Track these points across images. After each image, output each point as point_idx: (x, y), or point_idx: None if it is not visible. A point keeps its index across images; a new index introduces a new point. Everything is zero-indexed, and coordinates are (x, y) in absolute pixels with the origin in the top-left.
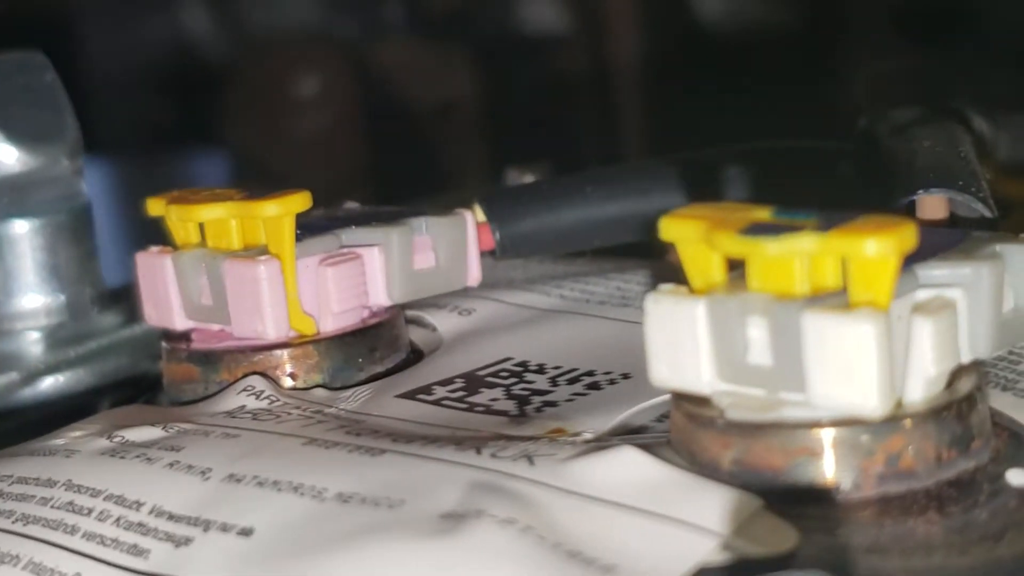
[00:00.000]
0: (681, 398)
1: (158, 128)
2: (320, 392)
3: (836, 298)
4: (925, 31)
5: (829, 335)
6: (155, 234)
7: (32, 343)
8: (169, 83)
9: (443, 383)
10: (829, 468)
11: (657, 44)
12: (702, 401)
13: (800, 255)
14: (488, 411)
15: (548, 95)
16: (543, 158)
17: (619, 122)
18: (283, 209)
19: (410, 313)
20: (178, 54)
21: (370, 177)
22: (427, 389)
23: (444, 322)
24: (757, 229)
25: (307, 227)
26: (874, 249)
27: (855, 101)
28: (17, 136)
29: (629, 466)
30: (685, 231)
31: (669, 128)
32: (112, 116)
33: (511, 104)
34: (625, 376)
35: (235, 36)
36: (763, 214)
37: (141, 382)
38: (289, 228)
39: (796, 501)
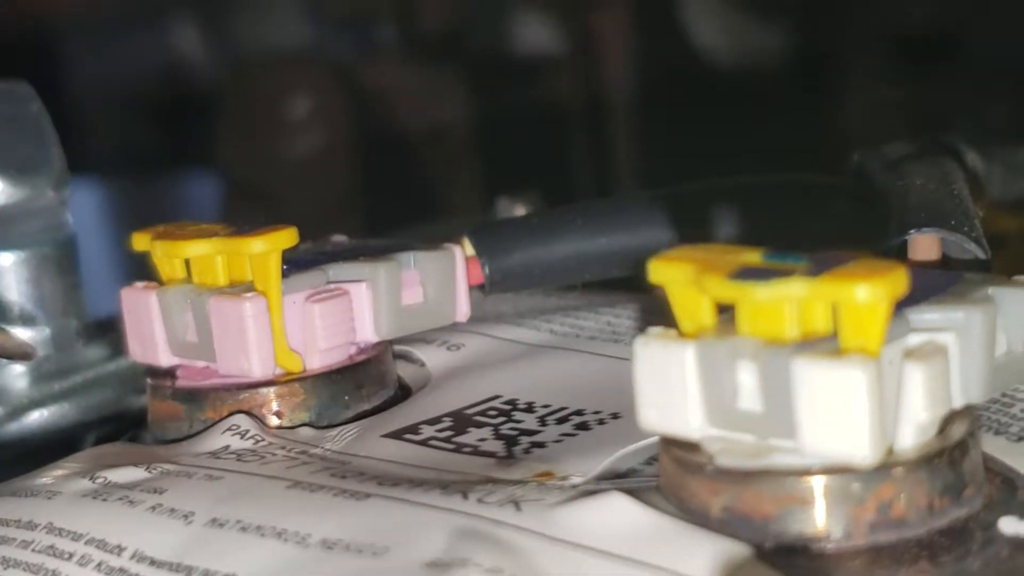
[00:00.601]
0: (670, 443)
1: (147, 152)
2: (306, 431)
3: (826, 343)
4: (918, 65)
5: (819, 381)
6: (144, 261)
7: (16, 377)
8: (159, 107)
9: (431, 422)
10: (820, 516)
11: (651, 75)
12: (691, 446)
13: (790, 300)
14: (476, 452)
15: (541, 124)
16: (535, 188)
17: (612, 152)
18: (270, 246)
19: (398, 348)
20: (167, 78)
21: (360, 203)
22: (414, 428)
23: (433, 357)
24: (747, 273)
25: (294, 262)
26: (865, 295)
27: (849, 135)
28: (2, 167)
29: (617, 514)
30: (674, 274)
31: (662, 159)
32: (100, 140)
33: (503, 132)
34: (615, 416)
35: (225, 59)
36: (753, 257)
37: (126, 417)
38: (275, 265)
39: (786, 550)
